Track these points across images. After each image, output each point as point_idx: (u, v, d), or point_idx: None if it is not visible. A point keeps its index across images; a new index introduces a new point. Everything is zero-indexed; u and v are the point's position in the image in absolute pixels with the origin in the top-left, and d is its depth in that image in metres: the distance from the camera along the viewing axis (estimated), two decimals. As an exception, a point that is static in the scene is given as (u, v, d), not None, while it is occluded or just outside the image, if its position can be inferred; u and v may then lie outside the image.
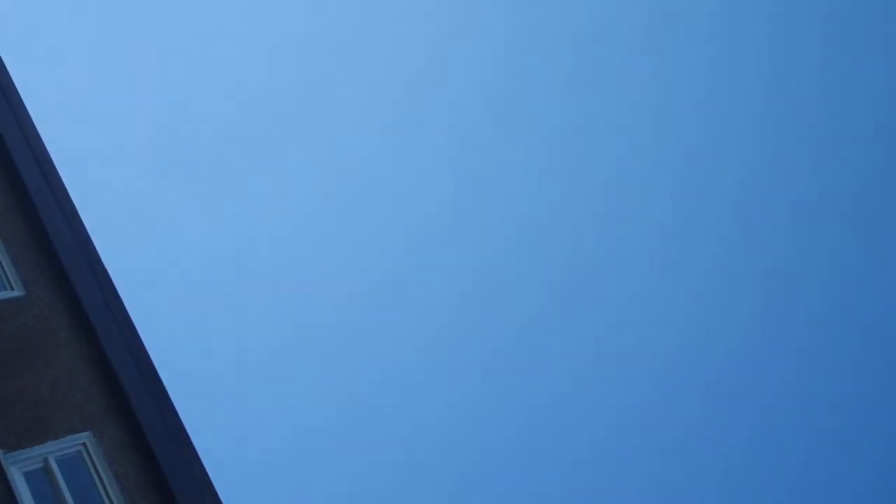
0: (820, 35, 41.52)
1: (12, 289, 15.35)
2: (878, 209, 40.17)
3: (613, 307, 39.82)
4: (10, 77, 16.59)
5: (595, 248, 40.79)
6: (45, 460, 14.14)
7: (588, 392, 38.65)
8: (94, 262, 15.70)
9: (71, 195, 15.18)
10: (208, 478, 14.63)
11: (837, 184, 40.84)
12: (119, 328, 15.37)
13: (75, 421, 14.53)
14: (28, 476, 13.98)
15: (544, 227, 40.92)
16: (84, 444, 14.42)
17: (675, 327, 39.48)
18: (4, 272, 15.38)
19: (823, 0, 42.54)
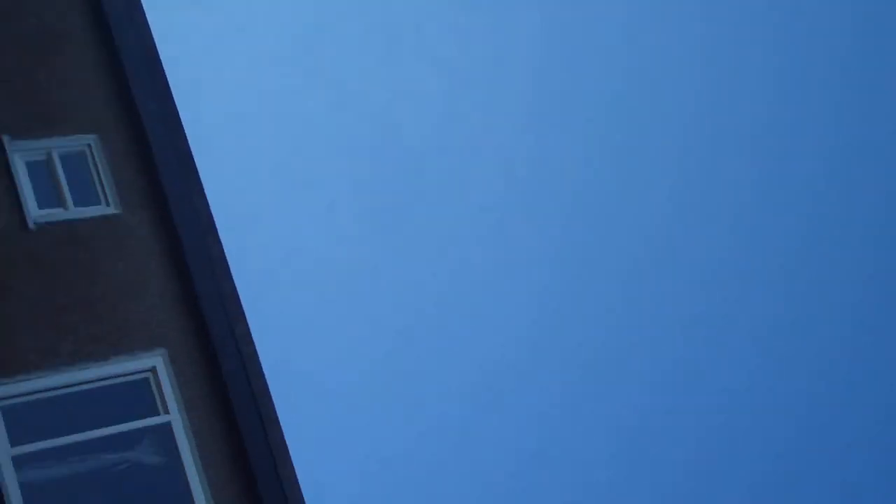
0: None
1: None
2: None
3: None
4: None
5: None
6: (49, 153, 15.16)
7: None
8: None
9: None
10: (208, 209, 15.55)
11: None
12: (135, 30, 16.04)
13: (84, 121, 15.44)
14: (30, 165, 15.04)
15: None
16: (89, 146, 15.38)
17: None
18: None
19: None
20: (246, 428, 14.79)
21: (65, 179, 15.13)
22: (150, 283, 15.02)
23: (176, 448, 14.47)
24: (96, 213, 15.08)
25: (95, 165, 15.33)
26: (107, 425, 14.23)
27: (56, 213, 14.89)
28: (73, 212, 15.00)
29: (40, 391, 14.01)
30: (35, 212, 14.78)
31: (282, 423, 15.14)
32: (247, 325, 15.33)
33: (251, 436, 14.79)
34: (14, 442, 13.69)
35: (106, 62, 15.90)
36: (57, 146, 15.23)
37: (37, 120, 15.18)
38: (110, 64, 15.91)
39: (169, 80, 15.97)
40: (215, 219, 15.74)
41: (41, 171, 15.14)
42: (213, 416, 14.80)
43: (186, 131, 15.91)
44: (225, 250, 15.65)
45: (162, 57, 15.96)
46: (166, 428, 14.51)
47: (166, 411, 14.50)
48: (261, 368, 15.20)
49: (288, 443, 15.06)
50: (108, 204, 15.22)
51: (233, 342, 15.08)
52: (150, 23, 15.97)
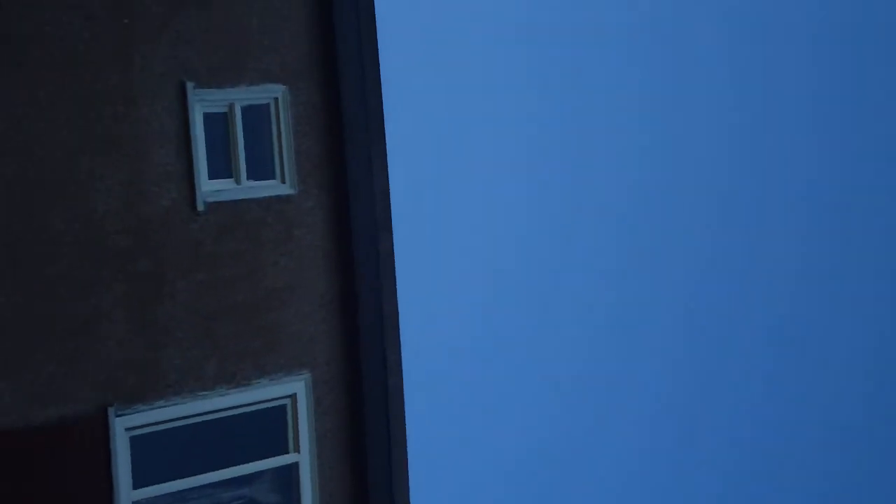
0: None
1: None
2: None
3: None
4: None
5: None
6: (231, 105, 12.14)
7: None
8: None
9: None
10: (387, 192, 12.95)
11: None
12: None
13: (275, 68, 12.35)
14: (207, 117, 12.03)
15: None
16: (276, 99, 12.38)
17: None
18: None
19: None
20: (374, 472, 13.06)
21: (242, 142, 12.21)
22: (310, 285, 12.63)
23: (298, 489, 12.69)
24: (269, 193, 12.35)
25: (278, 126, 12.40)
26: (233, 464, 12.25)
27: (227, 190, 12.09)
28: (245, 187, 12.22)
29: (173, 420, 11.82)
30: (206, 185, 11.94)
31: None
32: (400, 354, 13.26)
33: (377, 482, 13.10)
34: (137, 484, 11.61)
35: (313, 5, 12.57)
36: (240, 97, 12.16)
37: (225, 65, 11.99)
38: (318, 7, 12.60)
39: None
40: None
41: (219, 128, 12.13)
42: (339, 453, 12.97)
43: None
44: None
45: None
46: (293, 467, 12.64)
47: (297, 449, 12.58)
48: (403, 407, 13.31)
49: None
50: (283, 180, 12.46)
51: (382, 372, 13.05)
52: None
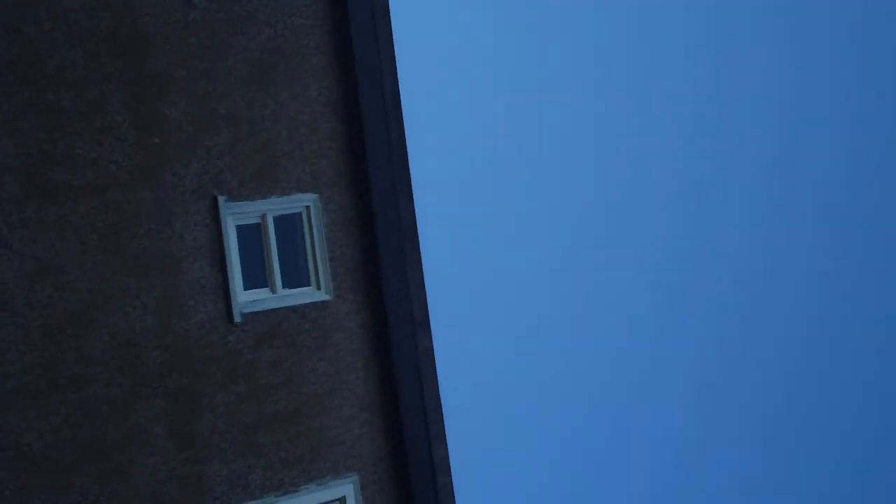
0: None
1: (280, -20, 12.65)
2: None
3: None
4: None
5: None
6: (263, 216, 12.34)
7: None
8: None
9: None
10: (426, 308, 13.03)
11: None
12: (381, 79, 12.95)
13: (305, 177, 12.55)
14: (241, 229, 12.23)
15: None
16: (307, 208, 12.56)
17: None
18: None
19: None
20: (424, 575, 12.96)
21: (276, 251, 12.37)
22: (351, 389, 12.66)
23: None
24: (305, 300, 12.46)
25: (311, 234, 12.57)
26: (285, 572, 12.21)
27: (263, 300, 12.22)
28: (281, 296, 12.35)
29: (221, 530, 11.84)
30: (241, 296, 12.09)
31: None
32: (447, 450, 13.21)
33: (428, 585, 12.99)
34: None
35: (341, 113, 12.83)
36: (272, 208, 12.36)
37: (256, 177, 12.22)
38: (346, 115, 12.85)
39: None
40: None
41: (252, 239, 12.32)
42: (391, 556, 12.90)
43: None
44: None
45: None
46: (344, 573, 12.58)
47: (347, 555, 12.53)
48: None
49: None
50: (318, 286, 12.59)
51: (430, 470, 12.99)
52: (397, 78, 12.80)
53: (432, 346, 13.21)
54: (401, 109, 13.07)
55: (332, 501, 12.56)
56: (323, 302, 12.61)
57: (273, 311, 12.30)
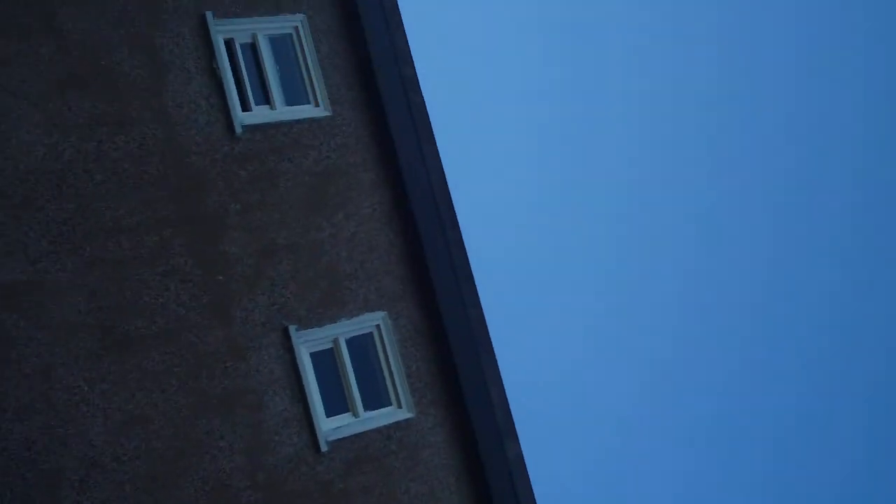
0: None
1: (317, 105, 12.62)
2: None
3: None
4: None
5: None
6: (335, 340, 12.09)
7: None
8: (415, 104, 12.87)
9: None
10: (504, 396, 12.71)
11: None
12: (430, 183, 12.84)
13: (371, 295, 12.34)
14: (315, 356, 11.98)
15: None
16: (378, 326, 12.33)
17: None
18: (311, 86, 12.57)
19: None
20: None
21: (353, 374, 12.11)
22: (445, 507, 12.26)
23: None
24: (388, 420, 12.16)
25: (385, 352, 12.31)
26: None
27: (346, 425, 11.92)
28: (364, 419, 12.05)
29: None
30: (325, 424, 11.79)
31: None
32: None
33: None
34: None
35: (396, 225, 12.70)
36: (343, 331, 12.13)
37: (323, 302, 12.03)
38: (401, 227, 12.72)
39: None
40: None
41: (327, 365, 12.07)
42: None
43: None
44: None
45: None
46: None
47: None
48: None
49: None
50: (399, 405, 12.28)
51: (536, 582, 12.50)
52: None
53: (521, 452, 12.84)
54: (454, 210, 12.93)
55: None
56: (406, 420, 12.30)
57: (358, 435, 11.98)
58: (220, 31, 12.08)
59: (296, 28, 12.56)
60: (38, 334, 10.37)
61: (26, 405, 10.17)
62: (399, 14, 13.01)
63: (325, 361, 12.12)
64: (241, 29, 12.22)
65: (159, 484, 10.70)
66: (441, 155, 13.08)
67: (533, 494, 12.82)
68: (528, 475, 12.86)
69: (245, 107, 12.17)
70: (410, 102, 12.88)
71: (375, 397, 12.35)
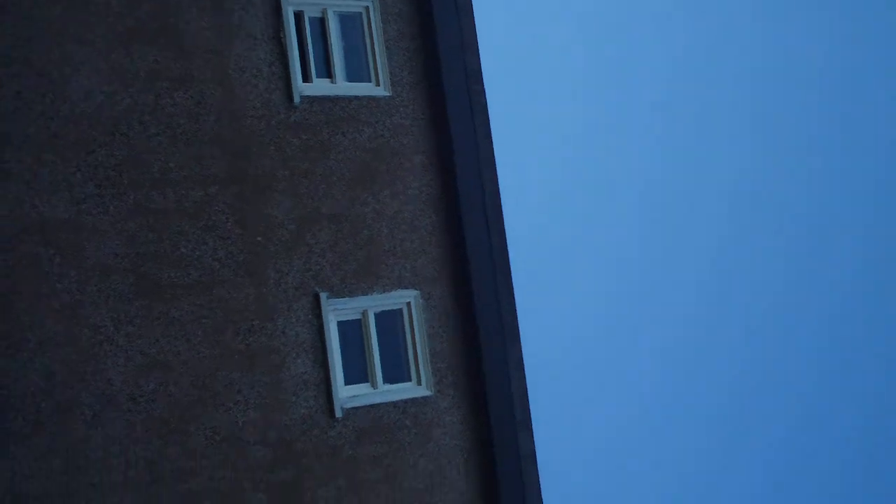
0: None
1: (378, 84, 12.95)
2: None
3: None
4: None
5: None
6: (364, 312, 12.47)
7: None
8: (475, 95, 13.14)
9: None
10: (525, 389, 12.98)
11: None
12: (480, 176, 13.11)
13: (406, 273, 12.69)
14: (342, 325, 12.37)
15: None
16: (408, 304, 12.68)
17: None
18: (374, 65, 12.90)
19: None
20: None
21: (377, 347, 12.48)
22: (451, 486, 12.59)
23: None
24: (405, 396, 12.51)
25: (412, 330, 12.67)
26: None
27: (364, 395, 12.31)
28: (382, 391, 12.42)
29: None
30: (342, 392, 12.21)
31: None
32: (548, 551, 13.00)
33: None
34: None
35: (441, 210, 13.00)
36: (373, 304, 12.50)
37: (357, 274, 12.40)
38: (446, 212, 13.01)
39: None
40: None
41: (353, 335, 12.46)
42: None
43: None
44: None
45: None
46: None
47: None
48: None
49: None
50: (418, 382, 12.63)
51: (530, 572, 12.78)
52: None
53: (534, 446, 13.11)
54: (500, 204, 13.20)
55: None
56: (423, 398, 12.65)
57: (373, 406, 12.37)
58: (292, 3, 12.49)
59: (366, 8, 12.91)
60: (72, 272, 10.94)
61: (51, 338, 10.77)
62: (471, 5, 13.27)
63: (352, 331, 12.51)
64: (311, 3, 12.61)
65: (170, 428, 11.23)
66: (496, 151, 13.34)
67: (539, 488, 13.09)
68: (537, 469, 13.14)
69: (306, 78, 12.56)
70: (471, 93, 13.15)
71: (396, 372, 12.72)
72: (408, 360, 12.75)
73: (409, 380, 12.71)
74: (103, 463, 10.85)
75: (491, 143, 13.31)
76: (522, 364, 13.13)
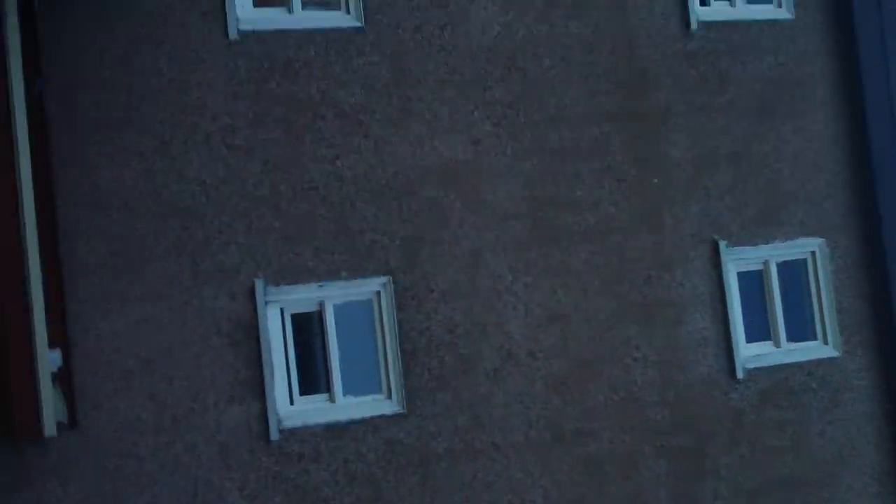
0: None
1: (780, 6, 11.64)
2: None
3: None
4: None
5: None
6: (766, 263, 11.30)
7: None
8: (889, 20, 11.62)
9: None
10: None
11: None
12: (892, 110, 11.67)
13: (809, 219, 11.43)
14: (741, 277, 11.23)
15: None
16: (813, 253, 11.42)
17: None
18: (781, -16, 11.60)
19: None
20: None
21: (779, 302, 11.29)
22: (860, 457, 11.36)
23: None
24: (810, 356, 11.36)
25: (817, 282, 11.44)
26: None
27: (766, 354, 11.20)
28: (785, 351, 11.30)
29: None
30: (744, 350, 11.11)
31: None
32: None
33: None
34: None
35: (847, 149, 11.62)
36: (774, 254, 11.30)
37: (757, 220, 11.21)
38: (853, 152, 11.62)
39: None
40: None
41: (752, 288, 11.31)
42: None
43: None
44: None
45: None
46: None
47: None
48: None
49: None
50: (825, 341, 11.41)
51: (948, 555, 11.40)
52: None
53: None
54: (916, 144, 11.70)
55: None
56: (830, 359, 11.38)
57: (777, 367, 11.20)
58: (689, -82, 11.29)
59: (769, -79, 11.58)
60: (471, 217, 10.18)
61: (453, 288, 10.04)
62: (885, -86, 11.73)
63: (752, 284, 11.34)
64: (710, -83, 11.39)
65: (569, 386, 10.37)
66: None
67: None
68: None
69: (703, 1, 11.38)
70: (884, 16, 11.66)
71: (800, 329, 11.49)
72: (812, 317, 11.50)
73: (815, 338, 11.45)
74: (504, 422, 10.11)
75: (903, 72, 11.79)
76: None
